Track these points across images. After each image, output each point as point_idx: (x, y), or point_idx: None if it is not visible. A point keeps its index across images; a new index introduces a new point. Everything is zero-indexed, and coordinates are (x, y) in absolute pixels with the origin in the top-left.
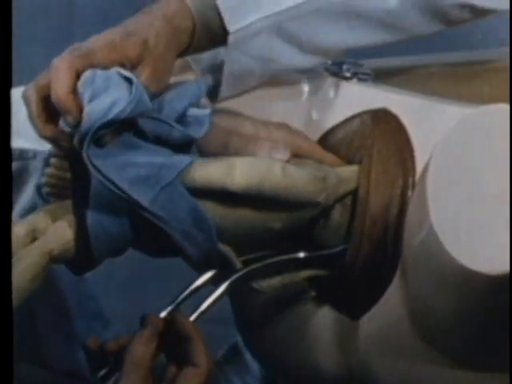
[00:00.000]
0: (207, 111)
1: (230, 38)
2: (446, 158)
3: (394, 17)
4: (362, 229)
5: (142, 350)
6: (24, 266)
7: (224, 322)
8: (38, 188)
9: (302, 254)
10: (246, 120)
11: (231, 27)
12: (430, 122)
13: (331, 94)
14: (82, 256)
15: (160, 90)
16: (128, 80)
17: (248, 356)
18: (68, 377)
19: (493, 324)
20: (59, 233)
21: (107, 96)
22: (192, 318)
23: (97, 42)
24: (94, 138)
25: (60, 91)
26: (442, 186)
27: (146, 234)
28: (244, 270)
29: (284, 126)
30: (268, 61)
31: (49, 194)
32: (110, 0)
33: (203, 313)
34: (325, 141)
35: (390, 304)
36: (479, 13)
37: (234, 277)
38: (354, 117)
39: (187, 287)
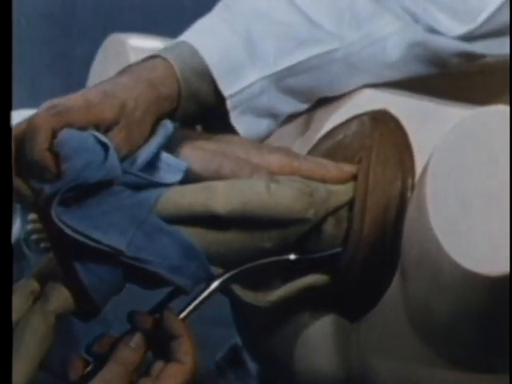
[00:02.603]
0: (184, 165)
1: (229, 103)
2: (444, 160)
3: (393, 69)
4: (360, 229)
5: (128, 353)
6: (32, 330)
7: (224, 323)
8: (26, 240)
9: (292, 256)
10: (238, 144)
11: (226, 92)
12: (430, 124)
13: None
14: (85, 306)
15: (131, 153)
16: (102, 144)
17: (247, 357)
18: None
19: (492, 325)
20: (57, 291)
21: (81, 158)
22: (181, 316)
23: (74, 100)
24: (61, 198)
25: (37, 149)
26: (441, 188)
27: (137, 273)
28: (234, 271)
29: (280, 149)
30: (275, 116)
31: (39, 240)
32: (111, 1)
33: (192, 311)
34: (324, 142)
35: (389, 306)
36: (477, 58)
37: (225, 277)
38: (353, 118)
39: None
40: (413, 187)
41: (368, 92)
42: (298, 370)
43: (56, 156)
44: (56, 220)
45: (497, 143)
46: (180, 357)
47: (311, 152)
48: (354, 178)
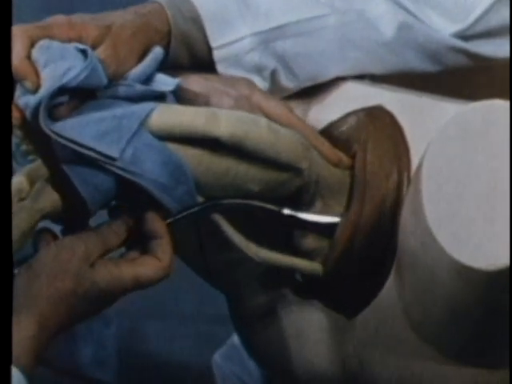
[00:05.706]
0: (176, 81)
1: (216, 54)
2: (440, 154)
3: (388, 50)
4: (359, 211)
5: (109, 232)
6: (17, 222)
7: (222, 321)
8: (14, 154)
9: (286, 211)
10: (245, 84)
11: (214, 43)
12: (425, 119)
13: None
14: (74, 212)
15: (120, 72)
16: (84, 52)
17: (245, 354)
18: (67, 375)
19: (489, 320)
20: (46, 192)
21: (61, 63)
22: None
23: (58, 18)
24: (48, 106)
25: (14, 57)
26: (436, 182)
27: (128, 186)
28: (226, 200)
29: (283, 102)
30: (267, 73)
31: (27, 152)
32: (110, 1)
33: (176, 221)
34: None
35: (386, 302)
36: (477, 59)
37: (214, 202)
38: (349, 114)
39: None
40: (408, 181)
41: (364, 87)
42: (294, 367)
43: (36, 64)
44: (46, 130)
45: (493, 137)
46: (158, 254)
47: None
48: (349, 168)
